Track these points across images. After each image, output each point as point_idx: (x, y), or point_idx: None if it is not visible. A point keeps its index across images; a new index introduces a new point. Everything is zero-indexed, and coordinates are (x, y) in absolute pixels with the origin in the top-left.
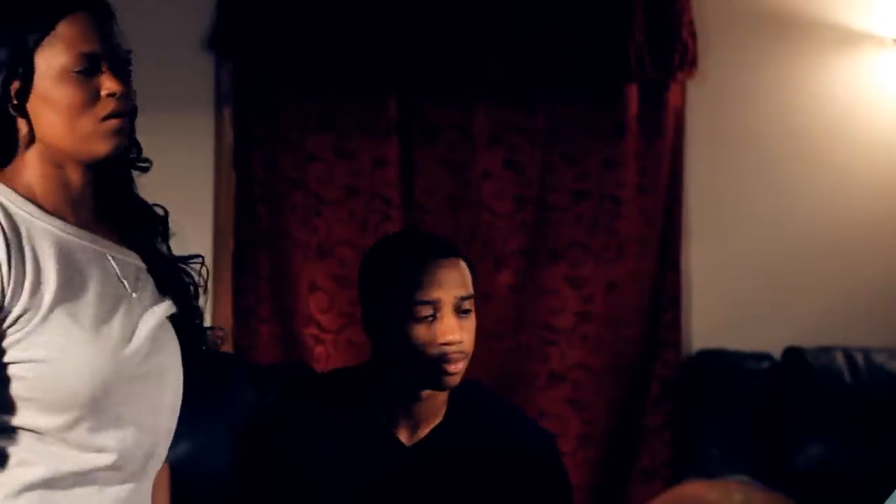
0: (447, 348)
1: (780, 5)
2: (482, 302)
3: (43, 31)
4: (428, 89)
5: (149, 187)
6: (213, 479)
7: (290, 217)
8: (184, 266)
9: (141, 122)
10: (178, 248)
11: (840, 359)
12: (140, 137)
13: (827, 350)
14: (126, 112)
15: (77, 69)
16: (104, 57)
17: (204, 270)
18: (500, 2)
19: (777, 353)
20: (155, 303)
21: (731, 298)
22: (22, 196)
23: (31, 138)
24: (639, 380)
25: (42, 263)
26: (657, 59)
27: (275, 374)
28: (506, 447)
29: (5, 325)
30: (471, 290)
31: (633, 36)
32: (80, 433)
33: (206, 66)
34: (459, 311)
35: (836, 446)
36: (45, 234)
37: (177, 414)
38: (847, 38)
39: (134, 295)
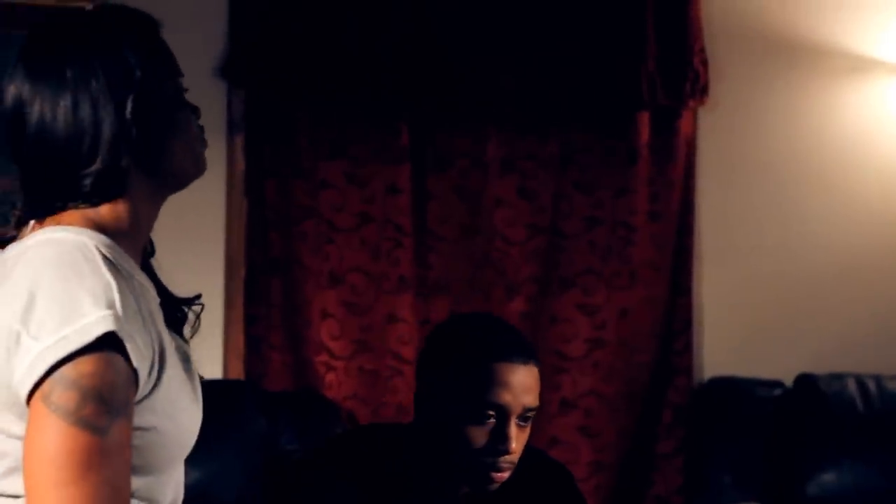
0: (500, 458)
1: (790, 32)
2: None
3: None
4: (441, 117)
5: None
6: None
7: (302, 244)
8: (185, 307)
9: None
10: (190, 274)
11: (852, 386)
12: None
13: (839, 377)
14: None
15: (185, 89)
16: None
17: (196, 309)
18: (512, 30)
19: (789, 380)
20: (184, 349)
21: (743, 325)
22: (120, 248)
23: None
24: (651, 407)
25: (150, 329)
26: (669, 86)
27: (286, 402)
28: (525, 487)
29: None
30: (538, 401)
31: (644, 64)
32: (165, 491)
33: (218, 93)
34: (521, 420)
35: (847, 473)
36: (143, 293)
37: None
38: (858, 65)
39: (174, 344)
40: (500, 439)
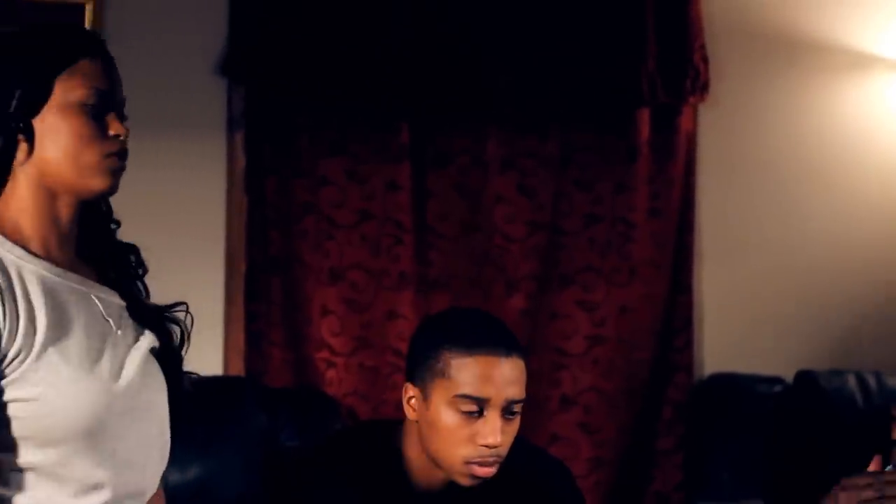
0: (484, 450)
1: (791, 29)
2: None
3: (67, 62)
4: (441, 114)
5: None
6: (224, 501)
7: (303, 241)
8: (169, 314)
9: (154, 147)
10: (190, 271)
11: (852, 382)
12: (153, 161)
13: (839, 373)
14: (126, 155)
15: (90, 103)
16: (113, 99)
17: (189, 319)
18: (512, 28)
19: (789, 376)
20: (137, 339)
21: (743, 322)
22: (9, 239)
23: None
24: (651, 403)
25: (33, 303)
26: (669, 83)
27: (287, 398)
28: (523, 484)
29: (3, 366)
30: (524, 394)
31: (645, 61)
32: (77, 468)
33: (218, 90)
34: (507, 413)
35: (847, 469)
36: (33, 275)
37: (167, 448)
38: (859, 62)
39: (119, 332)
40: (484, 433)
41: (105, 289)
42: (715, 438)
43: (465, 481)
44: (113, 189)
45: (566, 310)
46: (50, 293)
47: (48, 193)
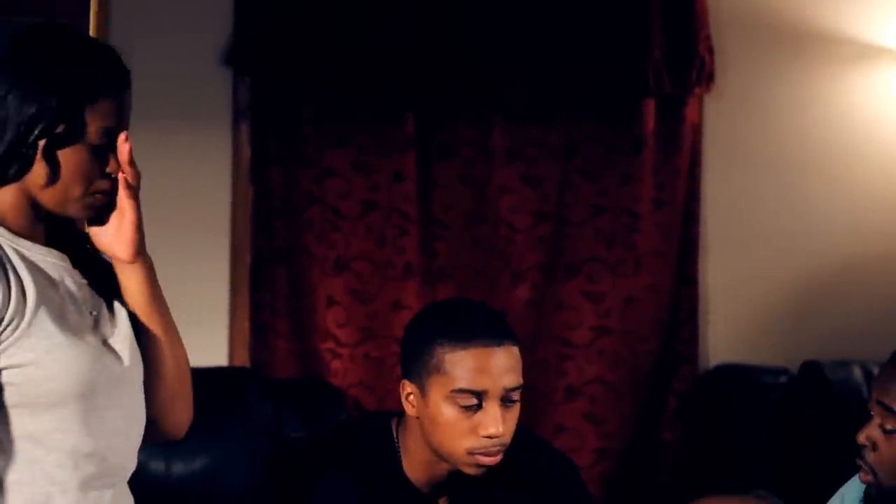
0: (486, 441)
1: (797, 20)
2: None
3: (93, 98)
4: (446, 105)
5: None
6: (230, 492)
7: (308, 232)
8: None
9: (159, 138)
10: (195, 262)
11: (857, 373)
12: (158, 153)
13: (844, 364)
14: (116, 192)
15: (97, 143)
16: (115, 135)
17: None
18: (518, 19)
19: (794, 367)
20: (113, 314)
21: (749, 313)
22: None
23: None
24: (656, 394)
25: (20, 274)
26: (675, 74)
27: (292, 389)
28: (527, 475)
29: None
30: (520, 380)
31: (650, 52)
32: (68, 437)
33: (223, 81)
34: (506, 402)
35: (853, 461)
36: (16, 252)
37: (143, 425)
38: (865, 53)
39: (93, 313)
40: (485, 424)
41: (76, 272)
42: (720, 429)
43: (471, 471)
44: (89, 220)
45: (572, 300)
46: (33, 267)
47: (31, 202)
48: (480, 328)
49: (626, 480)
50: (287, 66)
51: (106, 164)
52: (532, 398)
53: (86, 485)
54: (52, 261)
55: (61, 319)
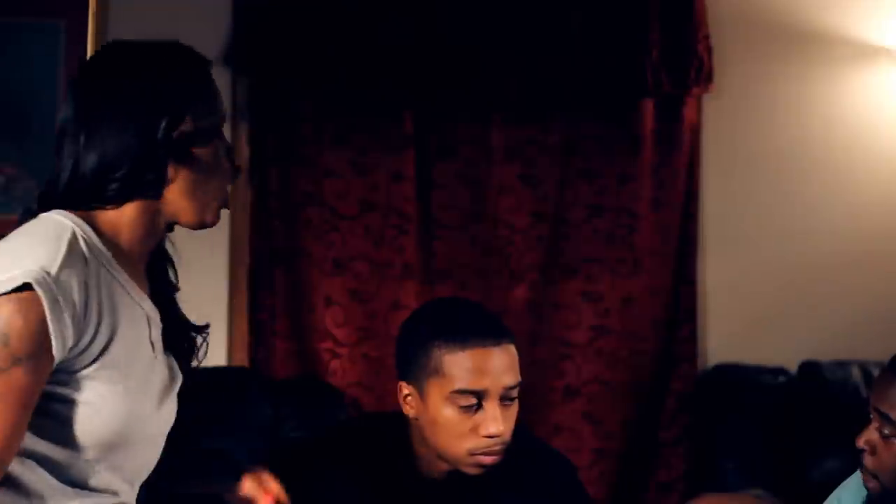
0: (488, 441)
1: (795, 20)
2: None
3: (210, 96)
4: (445, 105)
5: None
6: None
7: (306, 232)
8: (194, 334)
9: None
10: (194, 263)
11: (856, 373)
12: None
13: (843, 364)
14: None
15: (228, 146)
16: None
17: (203, 343)
18: (516, 17)
19: (793, 367)
20: (170, 372)
21: (747, 313)
22: (102, 238)
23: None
24: (655, 394)
25: (103, 312)
26: (673, 74)
27: (290, 389)
28: (528, 479)
29: (67, 367)
30: (519, 378)
31: (648, 51)
32: (81, 471)
33: (222, 81)
34: (505, 401)
35: (851, 460)
36: (109, 283)
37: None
38: (864, 53)
39: (157, 358)
40: (486, 424)
41: (154, 308)
42: (719, 429)
43: (472, 471)
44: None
45: (570, 300)
46: (117, 305)
47: (153, 215)
48: (477, 328)
49: (625, 480)
50: (285, 65)
51: (231, 160)
52: (530, 398)
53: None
54: (135, 301)
55: (125, 367)
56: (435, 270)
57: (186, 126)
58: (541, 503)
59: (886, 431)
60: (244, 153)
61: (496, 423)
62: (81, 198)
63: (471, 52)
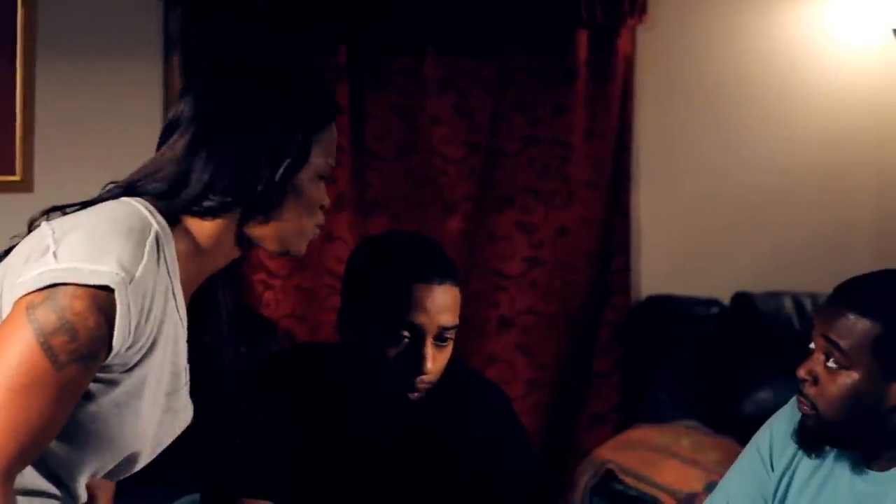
0: (415, 378)
1: None
2: None
3: (322, 128)
4: (378, 37)
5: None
6: None
7: None
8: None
9: (88, 69)
10: None
11: (788, 304)
12: (88, 84)
13: (775, 295)
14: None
15: (326, 175)
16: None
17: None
18: None
19: (726, 298)
20: (186, 406)
21: (681, 244)
22: (178, 244)
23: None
24: (588, 325)
25: (155, 326)
26: (607, 5)
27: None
28: (462, 410)
29: (104, 369)
30: (456, 320)
31: None
32: (81, 471)
33: (154, 11)
34: (439, 340)
35: (783, 391)
36: (167, 297)
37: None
38: None
39: (185, 386)
40: (415, 359)
41: (185, 318)
42: (652, 360)
43: (396, 408)
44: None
45: (504, 231)
46: (164, 320)
47: (233, 236)
48: (425, 265)
49: (559, 411)
50: None
51: (321, 195)
52: (464, 329)
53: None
54: (179, 321)
55: (154, 386)
56: (369, 202)
57: (307, 166)
58: (475, 434)
59: (831, 362)
60: (177, 86)
61: (425, 360)
62: (170, 204)
63: None
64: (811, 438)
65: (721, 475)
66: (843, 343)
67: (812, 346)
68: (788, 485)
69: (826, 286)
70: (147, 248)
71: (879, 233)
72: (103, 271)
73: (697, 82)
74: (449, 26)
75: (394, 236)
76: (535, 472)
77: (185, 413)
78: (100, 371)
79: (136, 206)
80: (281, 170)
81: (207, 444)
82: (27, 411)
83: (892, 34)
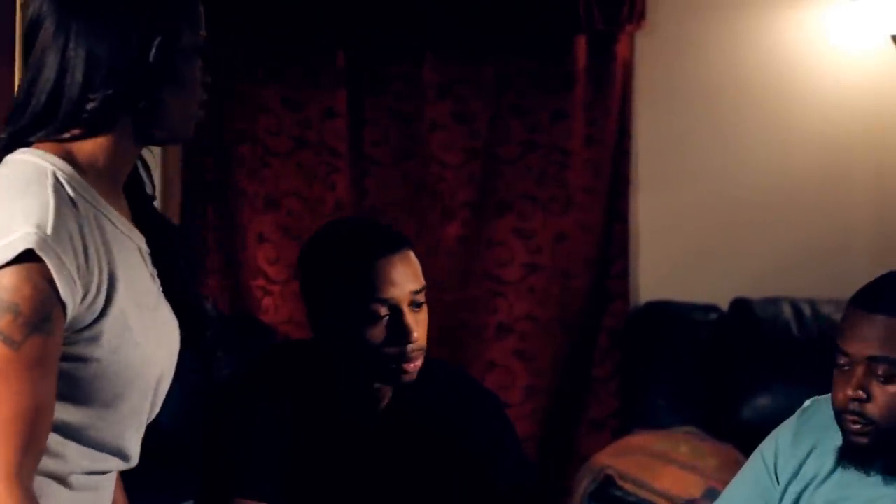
0: (406, 348)
1: None
2: (430, 253)
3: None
4: (377, 41)
5: None
6: (163, 429)
7: (238, 169)
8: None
9: None
10: None
11: (787, 310)
12: None
13: (774, 301)
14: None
15: (202, 47)
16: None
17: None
18: None
19: (724, 304)
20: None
21: (679, 250)
22: (82, 177)
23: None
24: (587, 331)
25: (101, 257)
26: (606, 10)
27: (223, 326)
28: (455, 416)
29: (73, 325)
30: (423, 282)
31: None
32: (101, 433)
33: None
34: (413, 306)
35: (782, 397)
36: (101, 223)
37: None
38: None
39: (157, 286)
40: (399, 331)
41: (140, 236)
42: (650, 366)
43: (395, 383)
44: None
45: (503, 237)
46: (111, 246)
47: (132, 137)
48: (377, 239)
49: (557, 417)
50: (218, 2)
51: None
52: (463, 335)
53: (94, 472)
54: (135, 242)
55: (132, 315)
56: (367, 208)
57: (178, 44)
58: (470, 440)
59: (881, 373)
60: None
61: (410, 329)
62: (55, 123)
63: None
64: (866, 455)
65: (720, 481)
66: (893, 355)
67: (842, 361)
68: (799, 494)
69: (825, 292)
70: (50, 191)
71: (878, 239)
72: (16, 239)
73: (696, 88)
74: (447, 32)
75: (336, 226)
76: (529, 480)
77: (174, 321)
78: (81, 331)
79: (21, 159)
80: (153, 50)
81: (201, 439)
82: (8, 402)
83: (890, 40)
